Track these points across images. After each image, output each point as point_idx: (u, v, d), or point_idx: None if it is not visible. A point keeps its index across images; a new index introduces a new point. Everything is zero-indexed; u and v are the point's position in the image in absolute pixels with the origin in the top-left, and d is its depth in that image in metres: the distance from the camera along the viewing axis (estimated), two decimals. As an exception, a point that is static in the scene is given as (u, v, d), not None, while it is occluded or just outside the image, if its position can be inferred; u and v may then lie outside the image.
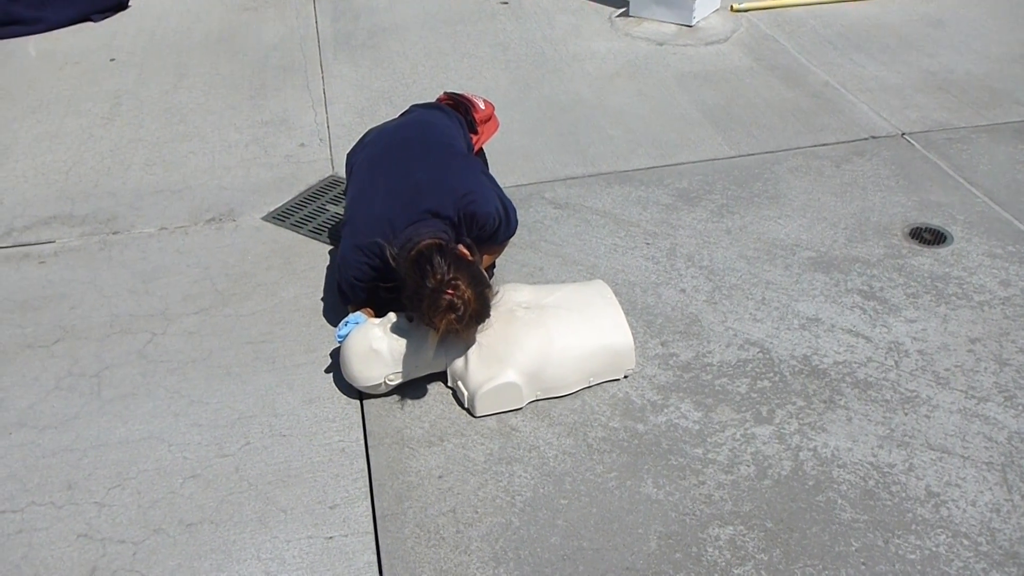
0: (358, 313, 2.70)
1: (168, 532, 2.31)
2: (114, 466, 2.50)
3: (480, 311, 2.48)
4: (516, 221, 2.91)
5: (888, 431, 2.55)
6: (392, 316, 2.65)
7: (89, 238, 3.46)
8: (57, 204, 3.69)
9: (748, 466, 2.45)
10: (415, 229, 2.58)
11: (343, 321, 2.66)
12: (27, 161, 4.01)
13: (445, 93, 3.23)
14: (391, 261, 2.53)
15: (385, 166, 2.80)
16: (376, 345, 2.57)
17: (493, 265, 3.13)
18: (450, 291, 2.38)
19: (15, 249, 3.41)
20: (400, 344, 2.59)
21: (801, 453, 2.49)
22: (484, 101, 3.23)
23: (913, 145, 3.95)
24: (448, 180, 2.70)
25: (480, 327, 2.58)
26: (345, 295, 2.80)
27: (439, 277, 2.39)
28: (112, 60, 5.01)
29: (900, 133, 4.05)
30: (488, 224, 2.74)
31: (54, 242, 3.45)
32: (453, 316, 2.40)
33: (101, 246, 3.41)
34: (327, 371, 2.79)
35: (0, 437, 2.60)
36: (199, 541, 2.28)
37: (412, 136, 2.89)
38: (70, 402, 2.71)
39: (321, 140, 4.10)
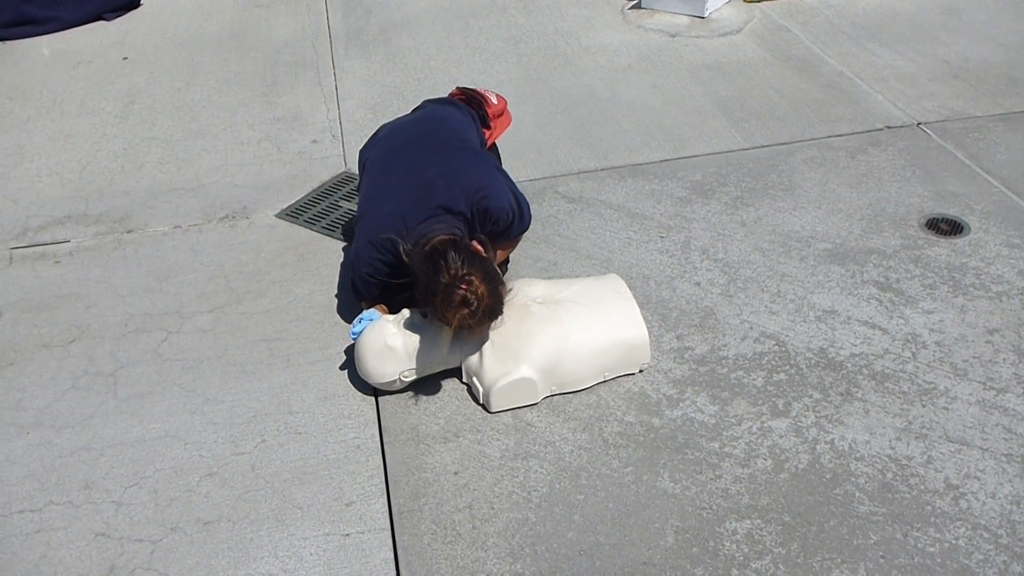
0: (372, 310, 2.70)
1: (185, 530, 2.32)
2: (131, 465, 2.51)
3: (493, 307, 2.48)
4: (530, 216, 2.90)
5: (906, 423, 2.53)
6: (406, 312, 2.65)
7: (103, 237, 3.47)
8: (71, 203, 3.70)
9: (765, 460, 2.44)
10: (429, 225, 2.58)
11: (357, 318, 2.66)
12: (41, 161, 4.03)
13: (457, 88, 3.22)
14: (404, 257, 2.53)
15: (398, 162, 2.79)
16: (391, 342, 2.57)
17: (507, 260, 3.12)
18: (463, 286, 2.37)
19: (30, 249, 3.43)
20: (414, 340, 2.58)
21: (818, 446, 2.47)
22: (496, 96, 3.21)
23: (929, 135, 3.91)
24: (461, 176, 2.70)
25: (493, 324, 2.57)
26: (359, 291, 2.80)
27: (452, 272, 2.38)
28: (125, 59, 5.02)
29: (916, 123, 4.01)
30: (502, 219, 2.73)
31: (69, 241, 3.46)
32: (466, 311, 2.40)
33: (115, 245, 3.43)
34: (342, 368, 2.79)
35: (18, 437, 2.62)
36: (216, 539, 2.29)
37: (425, 132, 2.89)
38: (87, 401, 2.73)
39: (334, 136, 4.10)
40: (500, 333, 2.61)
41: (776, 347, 2.81)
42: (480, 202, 2.66)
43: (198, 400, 2.71)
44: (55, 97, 4.62)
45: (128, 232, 3.50)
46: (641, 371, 2.73)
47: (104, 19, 5.55)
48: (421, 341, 2.58)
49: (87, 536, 2.31)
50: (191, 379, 2.79)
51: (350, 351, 2.83)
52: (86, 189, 3.79)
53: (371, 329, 2.60)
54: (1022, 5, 5.18)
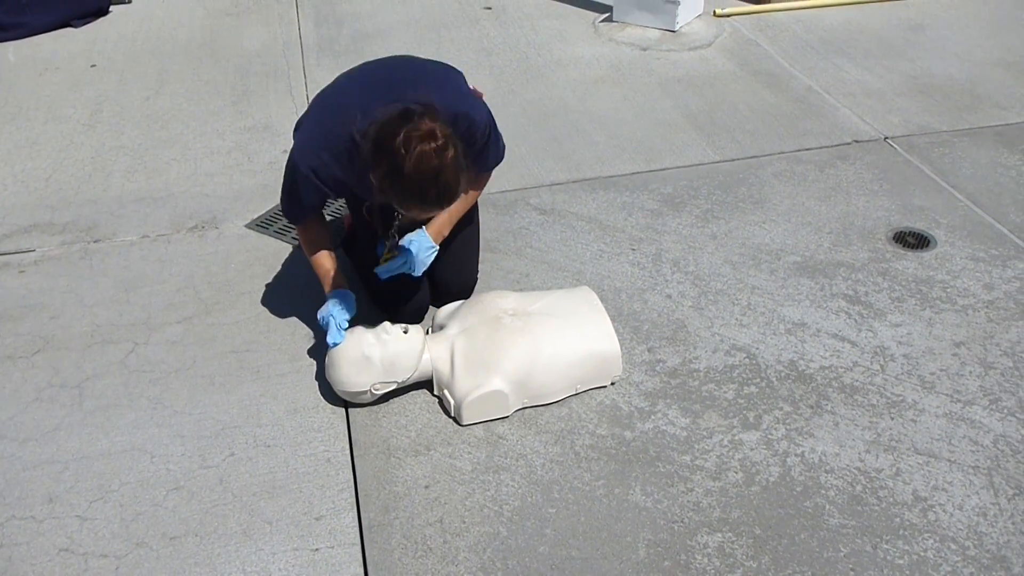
0: (336, 305, 2.58)
1: (151, 545, 2.28)
2: (96, 478, 2.47)
3: (452, 182, 2.20)
4: (504, 149, 2.74)
5: (875, 436, 2.55)
6: (386, 324, 2.60)
7: (70, 247, 3.43)
8: (37, 212, 3.65)
9: (736, 472, 2.45)
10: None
11: (320, 318, 2.59)
12: (6, 169, 3.97)
13: None
14: (358, 138, 2.25)
15: (368, 70, 2.56)
16: (368, 352, 2.53)
17: (477, 213, 2.96)
18: (432, 124, 2.14)
19: (-6, 258, 3.38)
20: (391, 354, 2.55)
21: (788, 459, 2.49)
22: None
23: (896, 149, 3.96)
24: (442, 84, 2.53)
25: (445, 209, 2.37)
26: (294, 200, 2.52)
27: (425, 124, 2.14)
28: (93, 66, 4.97)
29: (883, 137, 4.06)
30: (478, 134, 2.52)
31: (34, 251, 3.41)
32: (432, 146, 2.11)
33: (82, 255, 3.38)
34: (312, 380, 2.77)
35: (-20, 450, 2.57)
36: (183, 554, 2.26)
37: (400, 59, 2.70)
38: (51, 413, 2.68)
39: (304, 146, 4.07)
40: (471, 346, 2.60)
41: (747, 360, 2.82)
42: (461, 106, 2.46)
43: (165, 413, 2.67)
44: (21, 104, 4.56)
45: (95, 242, 3.46)
46: (613, 384, 2.73)
47: (72, 26, 5.48)
48: (397, 355, 2.56)
49: (50, 552, 2.27)
50: (158, 391, 2.75)
51: (320, 363, 2.80)
52: (52, 198, 3.74)
53: (350, 337, 2.56)
54: (986, 22, 5.27)
